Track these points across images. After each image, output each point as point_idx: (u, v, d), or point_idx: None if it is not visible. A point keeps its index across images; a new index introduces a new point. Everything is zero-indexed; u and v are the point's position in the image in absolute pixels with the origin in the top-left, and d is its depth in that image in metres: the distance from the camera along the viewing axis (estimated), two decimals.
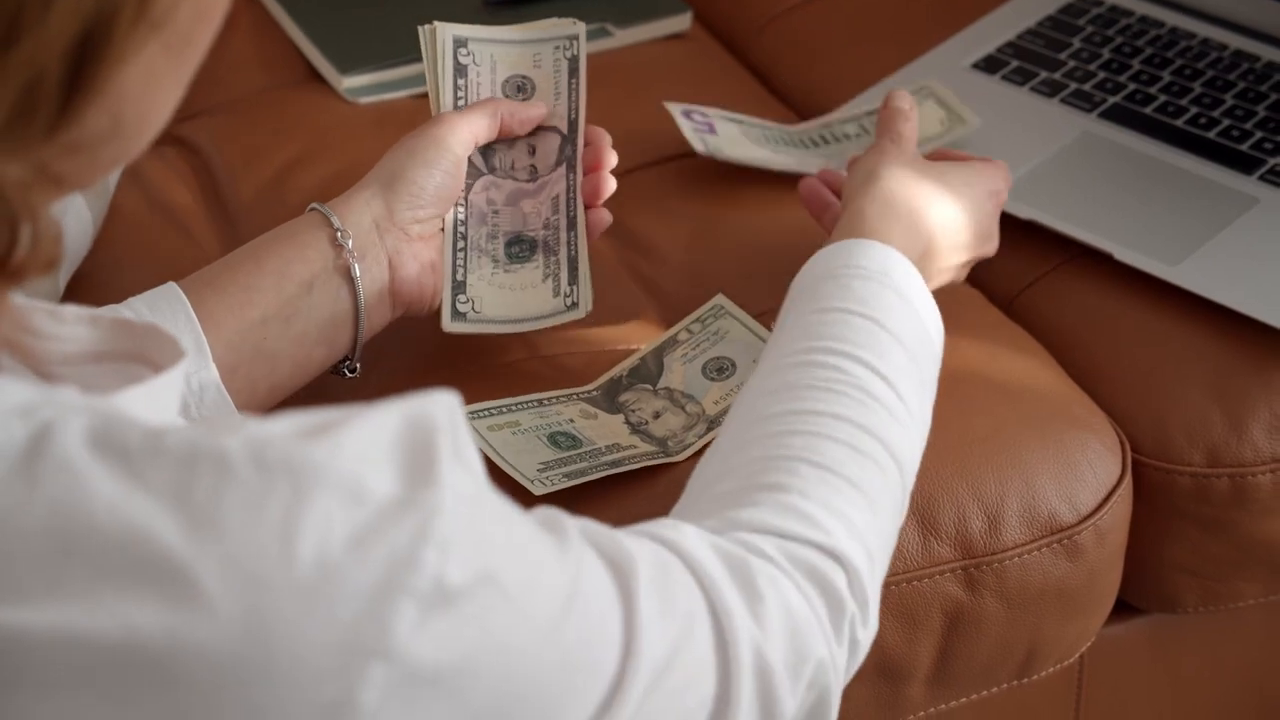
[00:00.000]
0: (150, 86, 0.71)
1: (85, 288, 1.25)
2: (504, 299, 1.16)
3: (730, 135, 1.38)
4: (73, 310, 0.81)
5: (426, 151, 1.12)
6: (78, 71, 0.68)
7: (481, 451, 1.08)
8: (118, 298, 1.08)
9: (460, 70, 1.16)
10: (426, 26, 1.16)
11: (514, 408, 1.13)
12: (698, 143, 1.36)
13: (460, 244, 1.15)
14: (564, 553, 0.78)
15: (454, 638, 0.71)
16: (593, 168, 1.18)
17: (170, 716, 0.67)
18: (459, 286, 1.14)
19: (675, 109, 1.38)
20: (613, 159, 1.19)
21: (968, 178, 1.16)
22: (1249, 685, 1.38)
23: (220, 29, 0.73)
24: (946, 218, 1.12)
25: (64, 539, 0.67)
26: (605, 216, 1.19)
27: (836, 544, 0.90)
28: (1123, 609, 1.26)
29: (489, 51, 1.16)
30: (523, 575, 0.74)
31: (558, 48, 1.18)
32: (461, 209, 1.15)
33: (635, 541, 0.84)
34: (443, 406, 0.72)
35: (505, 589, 0.73)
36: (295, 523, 0.68)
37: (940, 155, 1.23)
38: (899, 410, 0.97)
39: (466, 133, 1.13)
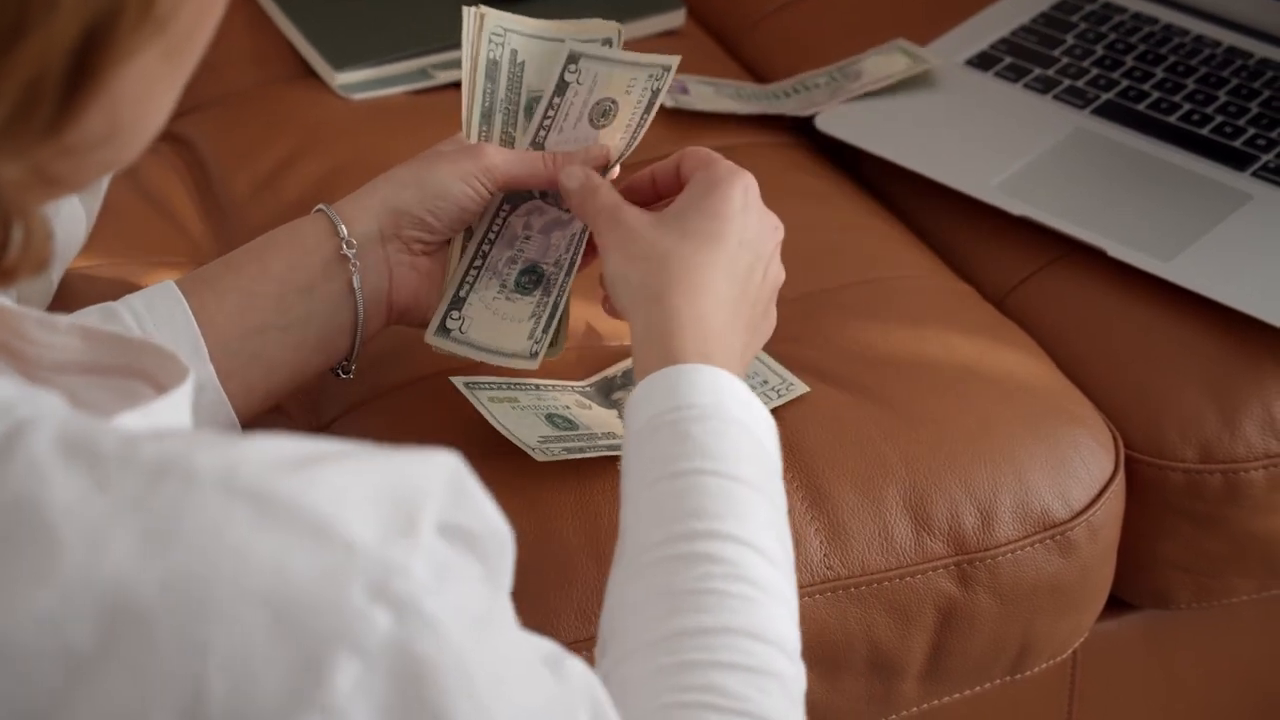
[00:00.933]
0: (148, 89, 0.71)
1: (79, 283, 1.24)
2: (492, 326, 1.12)
3: (703, 94, 1.41)
4: (65, 321, 0.80)
5: (453, 185, 1.08)
6: (79, 71, 0.67)
7: (483, 416, 1.09)
8: (111, 293, 1.08)
9: (492, 70, 1.09)
10: (473, 9, 1.09)
11: (512, 385, 1.12)
12: (668, 100, 1.39)
13: (478, 261, 1.11)
14: (551, 687, 0.76)
15: (397, 709, 0.68)
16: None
17: None
18: (457, 302, 1.11)
19: None
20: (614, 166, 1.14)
21: (711, 215, 1.03)
22: (1242, 681, 1.39)
23: (214, 32, 0.73)
24: (717, 282, 1.00)
25: (16, 538, 0.66)
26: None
27: None
28: (1116, 605, 1.26)
29: (593, 70, 1.09)
30: (493, 681, 0.71)
31: (650, 76, 1.10)
32: (494, 228, 1.11)
33: None
34: (443, 470, 0.70)
35: (472, 686, 0.69)
36: (249, 551, 0.66)
37: (661, 182, 1.10)
38: (774, 581, 0.92)
39: (502, 176, 1.08)
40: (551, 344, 1.13)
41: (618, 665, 0.90)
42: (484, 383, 1.12)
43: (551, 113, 1.10)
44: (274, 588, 0.66)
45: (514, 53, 1.11)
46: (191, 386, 0.78)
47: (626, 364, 1.18)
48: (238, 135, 1.43)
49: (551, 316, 1.13)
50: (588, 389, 1.16)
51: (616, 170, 1.13)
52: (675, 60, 1.10)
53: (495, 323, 1.12)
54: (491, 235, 1.12)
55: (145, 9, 0.68)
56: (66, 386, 0.77)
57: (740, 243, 1.02)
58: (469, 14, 1.10)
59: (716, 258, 1.01)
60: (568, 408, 1.13)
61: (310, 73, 1.49)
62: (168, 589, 0.66)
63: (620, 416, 1.13)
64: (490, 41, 1.10)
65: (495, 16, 1.10)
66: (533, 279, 1.13)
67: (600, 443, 1.10)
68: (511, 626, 0.76)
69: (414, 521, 0.68)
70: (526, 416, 1.10)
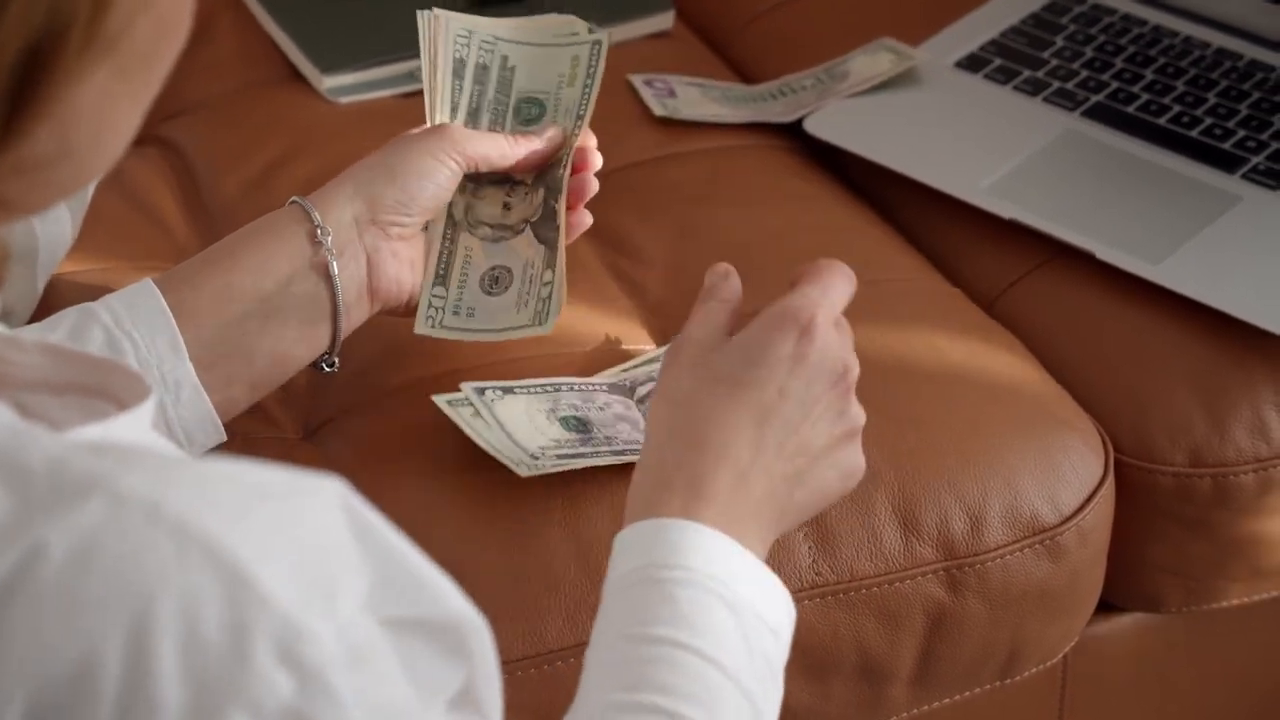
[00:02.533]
0: (103, 108, 0.69)
1: (64, 288, 1.24)
2: (480, 302, 1.14)
3: (690, 97, 1.41)
4: (33, 340, 0.79)
5: (421, 160, 1.10)
6: (21, 90, 0.65)
7: (470, 436, 1.09)
8: (96, 297, 1.08)
9: (459, 69, 1.14)
10: (428, 12, 1.13)
11: (528, 389, 1.12)
12: (657, 106, 1.40)
13: (451, 237, 1.14)
14: None
15: None
16: (578, 168, 1.17)
17: None
18: (440, 280, 1.13)
19: (637, 80, 1.43)
20: (598, 160, 1.18)
21: (745, 362, 0.94)
22: (1232, 685, 1.39)
23: (186, 42, 0.71)
24: (731, 428, 0.93)
25: None
26: (586, 218, 1.18)
27: None
28: (1106, 609, 1.26)
29: (503, 52, 1.14)
30: None
31: (576, 58, 1.15)
32: (468, 204, 1.14)
33: None
34: (382, 545, 0.69)
35: None
36: (163, 585, 0.64)
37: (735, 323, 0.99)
38: None
39: (471, 153, 1.11)
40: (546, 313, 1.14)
41: None
42: (489, 388, 1.11)
43: (461, 98, 1.15)
44: (181, 627, 0.64)
45: (504, 58, 1.15)
46: (153, 405, 0.76)
47: (653, 364, 1.17)
48: (225, 139, 1.42)
49: (540, 276, 1.14)
50: (610, 386, 1.15)
51: (598, 159, 1.17)
52: (605, 36, 1.15)
53: (483, 298, 1.13)
54: (466, 213, 1.14)
55: (92, 28, 0.66)
56: (37, 405, 0.76)
57: (780, 391, 0.94)
58: (424, 17, 1.15)
59: (738, 408, 0.93)
60: (583, 408, 1.12)
61: (297, 76, 1.49)
62: (73, 602, 0.64)
63: (646, 418, 1.12)
64: (455, 42, 1.15)
65: (454, 20, 1.15)
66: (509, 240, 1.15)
67: (605, 449, 1.09)
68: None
69: (335, 592, 0.66)
70: (537, 420, 1.10)
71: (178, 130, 1.44)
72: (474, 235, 1.15)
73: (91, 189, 1.30)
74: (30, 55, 0.65)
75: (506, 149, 1.14)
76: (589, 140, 1.18)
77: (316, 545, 0.67)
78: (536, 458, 1.07)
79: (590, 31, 1.17)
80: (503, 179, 1.16)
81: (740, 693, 0.87)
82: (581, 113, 1.15)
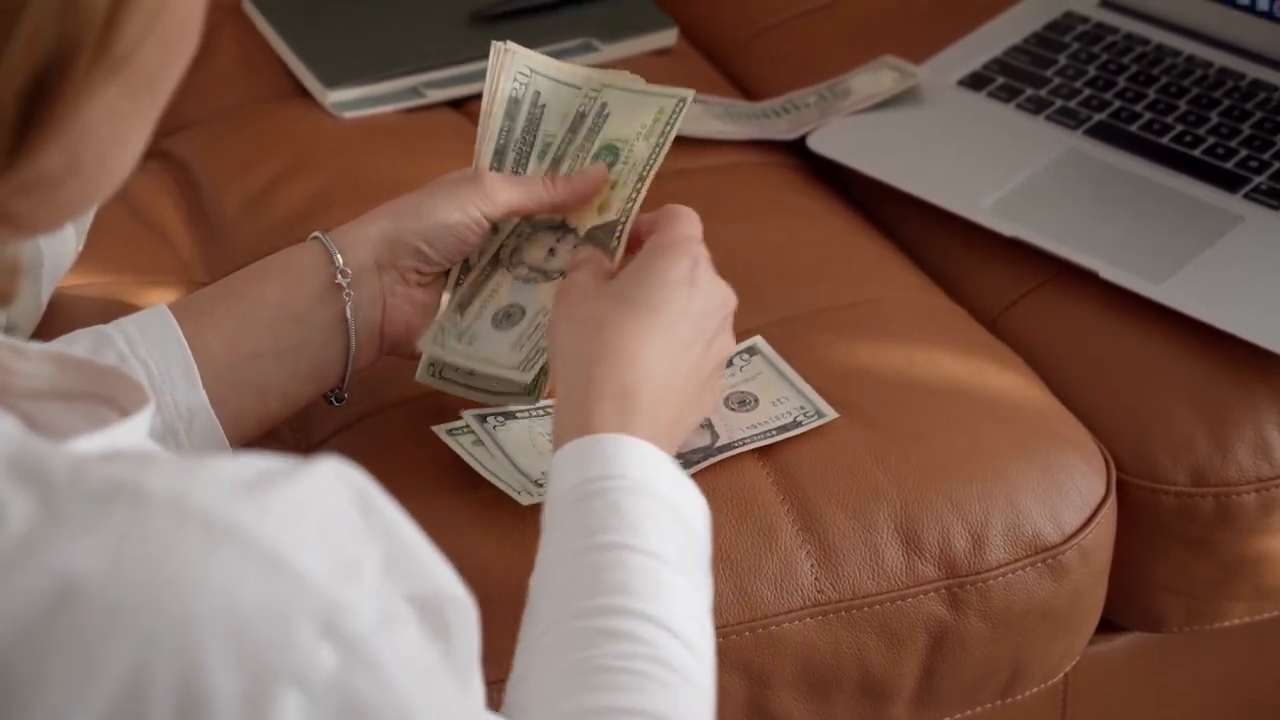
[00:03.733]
0: (112, 127, 0.69)
1: (68, 302, 1.24)
2: (478, 360, 1.10)
3: (693, 114, 1.41)
4: (37, 348, 0.79)
5: (450, 213, 1.08)
6: (32, 110, 0.66)
7: (471, 465, 1.09)
8: (101, 311, 1.08)
9: (513, 108, 1.10)
10: (499, 44, 1.10)
11: (529, 414, 1.12)
12: None
13: (464, 290, 1.11)
14: None
15: None
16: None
17: None
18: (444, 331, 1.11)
19: None
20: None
21: (652, 286, 1.01)
22: (1234, 705, 1.38)
23: (190, 61, 0.72)
24: (651, 355, 0.99)
25: None
26: None
27: None
28: (1107, 628, 1.26)
29: (606, 98, 1.10)
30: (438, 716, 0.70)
31: (661, 109, 1.10)
32: (486, 261, 1.12)
33: None
34: (392, 524, 0.70)
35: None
36: (199, 577, 0.65)
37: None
38: (693, 671, 0.90)
39: (500, 203, 1.09)
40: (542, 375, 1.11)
41: None
42: (491, 415, 1.11)
43: (562, 147, 1.10)
44: (223, 616, 0.65)
45: (536, 94, 1.12)
46: (151, 411, 0.77)
47: None
48: (229, 153, 1.42)
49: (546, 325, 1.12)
50: None
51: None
52: (689, 93, 1.10)
53: (488, 328, 1.11)
54: (512, 254, 1.11)
55: (101, 49, 0.66)
56: (42, 414, 0.77)
57: (681, 313, 1.00)
58: (496, 48, 1.11)
59: (650, 327, 0.99)
60: None
61: (302, 90, 1.49)
62: (114, 614, 0.64)
63: None
64: (516, 80, 1.11)
65: (524, 55, 1.11)
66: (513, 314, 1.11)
67: None
68: (469, 693, 0.74)
69: (358, 562, 0.68)
70: (539, 444, 1.10)
71: (181, 144, 1.44)
72: (510, 273, 1.11)
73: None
74: (40, 77, 0.65)
75: (542, 194, 1.10)
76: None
77: (333, 520, 0.68)
78: (540, 484, 1.07)
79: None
80: (559, 226, 1.12)
81: (690, 585, 0.92)
82: (645, 173, 1.09)
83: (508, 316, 1.11)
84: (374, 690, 0.67)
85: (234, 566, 0.65)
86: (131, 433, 0.76)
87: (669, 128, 1.10)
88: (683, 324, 1.00)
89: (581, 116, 1.12)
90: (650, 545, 0.92)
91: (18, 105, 0.66)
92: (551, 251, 1.11)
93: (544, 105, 1.12)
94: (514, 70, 1.12)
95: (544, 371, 1.09)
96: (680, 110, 1.10)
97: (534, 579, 0.94)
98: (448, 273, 1.11)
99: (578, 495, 0.94)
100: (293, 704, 0.65)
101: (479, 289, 1.11)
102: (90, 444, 0.72)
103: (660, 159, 1.10)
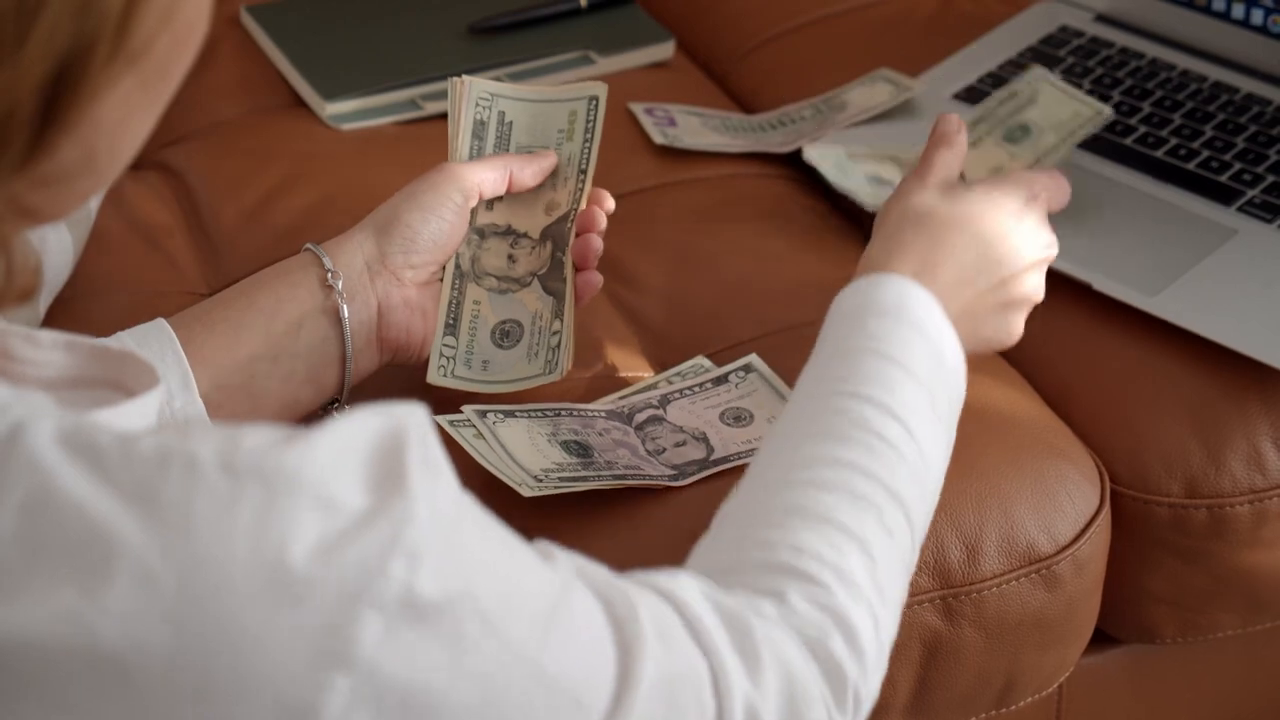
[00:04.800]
0: (125, 119, 0.71)
1: (66, 314, 1.24)
2: (489, 353, 1.15)
3: (690, 126, 1.42)
4: (49, 336, 0.81)
5: (424, 196, 1.11)
6: (51, 106, 0.68)
7: (473, 456, 1.09)
8: (99, 323, 1.08)
9: (479, 128, 1.16)
10: (456, 80, 1.16)
11: (528, 413, 1.13)
12: (658, 135, 1.41)
13: (459, 286, 1.14)
14: (550, 579, 0.78)
15: (423, 654, 0.71)
16: (584, 229, 1.17)
17: None
18: (450, 330, 1.14)
19: (638, 108, 1.44)
20: (603, 221, 1.17)
21: (986, 201, 1.09)
22: (1227, 716, 1.39)
23: (196, 58, 0.73)
24: (961, 248, 1.06)
25: (30, 540, 0.67)
26: (596, 279, 1.17)
27: (838, 604, 0.89)
28: (1101, 639, 1.26)
29: (500, 108, 1.16)
30: (501, 595, 0.74)
31: (574, 112, 1.17)
32: (473, 252, 1.15)
33: (636, 590, 0.83)
34: (413, 418, 0.72)
35: (481, 607, 0.72)
36: (265, 528, 0.68)
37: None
38: (909, 451, 0.96)
39: (470, 182, 1.13)
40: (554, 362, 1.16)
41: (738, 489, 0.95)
42: (490, 411, 1.12)
43: (478, 149, 1.16)
44: (290, 559, 0.68)
45: (501, 114, 1.16)
46: (160, 392, 0.80)
47: (650, 391, 1.18)
48: (227, 165, 1.43)
49: (548, 327, 1.15)
50: (609, 413, 1.16)
51: (603, 221, 1.17)
52: (603, 90, 1.16)
53: (494, 351, 1.14)
54: (473, 265, 1.15)
55: (118, 44, 0.68)
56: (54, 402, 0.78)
57: (1000, 233, 1.07)
58: (452, 83, 1.15)
59: (966, 231, 1.05)
60: (582, 433, 1.12)
61: (300, 103, 1.49)
62: (186, 576, 0.67)
63: (644, 445, 1.13)
64: (477, 105, 1.16)
65: (481, 83, 1.16)
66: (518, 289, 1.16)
67: (607, 473, 1.10)
68: (503, 532, 0.78)
69: (403, 470, 0.71)
70: (539, 443, 1.10)
71: (179, 156, 1.44)
72: (480, 286, 1.15)
73: (94, 214, 1.30)
74: (58, 75, 0.67)
75: (507, 166, 1.14)
76: (605, 203, 1.17)
77: (370, 441, 0.71)
78: (540, 479, 1.08)
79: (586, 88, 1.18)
80: (506, 231, 1.17)
81: (922, 390, 0.99)
82: (584, 166, 1.17)
83: (506, 335, 1.15)
84: (445, 590, 0.71)
85: (293, 513, 0.68)
86: (143, 411, 0.78)
87: (590, 125, 1.17)
88: (1000, 244, 1.06)
89: (481, 124, 1.17)
90: (890, 350, 0.99)
91: (37, 101, 0.67)
92: (511, 259, 1.16)
93: (510, 123, 1.17)
94: (475, 97, 1.16)
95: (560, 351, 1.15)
96: (595, 107, 1.17)
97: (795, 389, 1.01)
98: (441, 277, 1.14)
99: (840, 315, 1.01)
100: (372, 626, 0.69)
101: (460, 307, 1.14)
102: (99, 417, 0.75)
103: (594, 154, 1.17)
